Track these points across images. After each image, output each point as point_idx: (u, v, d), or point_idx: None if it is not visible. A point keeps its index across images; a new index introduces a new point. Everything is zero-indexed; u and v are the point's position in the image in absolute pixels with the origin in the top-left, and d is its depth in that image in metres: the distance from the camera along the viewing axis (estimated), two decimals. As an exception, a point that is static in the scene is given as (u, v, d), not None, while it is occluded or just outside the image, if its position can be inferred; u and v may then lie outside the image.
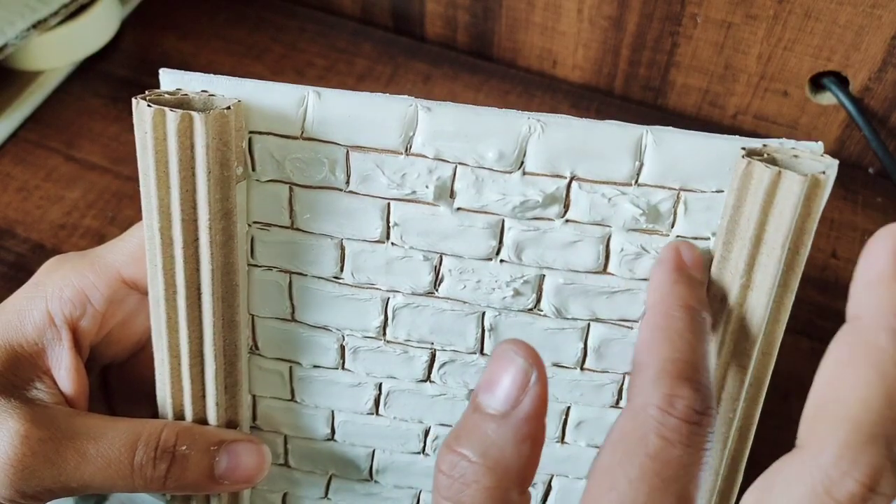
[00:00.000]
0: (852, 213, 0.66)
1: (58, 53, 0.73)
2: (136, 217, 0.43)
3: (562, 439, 0.43)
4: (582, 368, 0.41)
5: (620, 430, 0.29)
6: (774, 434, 0.55)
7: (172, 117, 0.34)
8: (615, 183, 0.36)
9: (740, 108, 0.70)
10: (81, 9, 0.72)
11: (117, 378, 0.46)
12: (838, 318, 0.59)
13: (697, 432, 0.29)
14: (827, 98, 0.66)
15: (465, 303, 0.40)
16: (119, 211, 0.65)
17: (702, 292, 0.34)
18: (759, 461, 0.53)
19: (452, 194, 0.37)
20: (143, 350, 0.45)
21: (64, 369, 0.41)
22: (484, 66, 0.76)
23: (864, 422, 0.26)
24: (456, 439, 0.30)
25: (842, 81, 0.65)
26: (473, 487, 0.29)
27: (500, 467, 0.29)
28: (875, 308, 0.28)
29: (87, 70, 0.75)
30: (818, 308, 0.61)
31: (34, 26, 0.69)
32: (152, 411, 0.42)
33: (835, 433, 0.27)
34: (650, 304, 0.33)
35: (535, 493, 0.44)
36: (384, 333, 0.41)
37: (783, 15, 0.62)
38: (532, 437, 0.30)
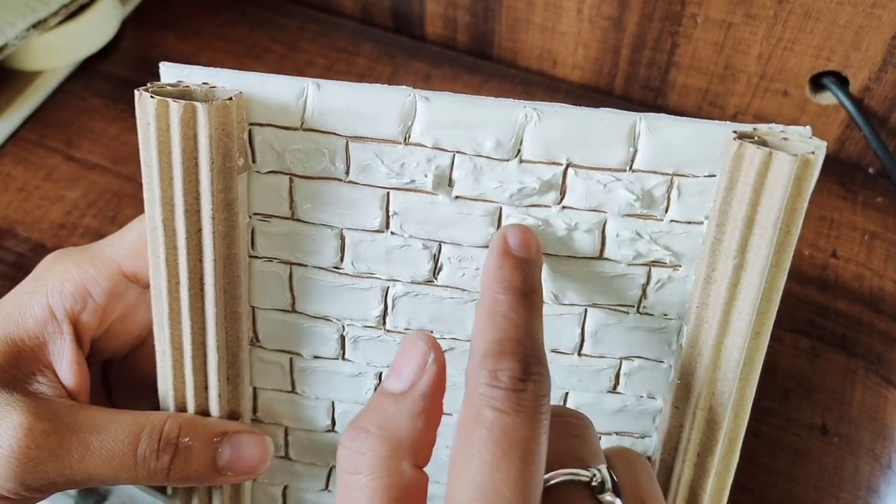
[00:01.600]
0: (852, 213, 0.66)
1: (58, 53, 0.73)
2: (136, 216, 0.43)
3: None
4: (579, 354, 0.41)
5: (461, 417, 0.31)
6: (774, 434, 0.55)
7: (175, 108, 0.35)
8: (610, 169, 0.37)
9: (740, 108, 0.70)
10: (81, 9, 0.72)
11: (118, 372, 0.46)
12: (838, 318, 0.60)
13: (525, 398, 0.30)
14: (827, 98, 0.67)
15: (464, 290, 0.40)
16: (119, 210, 0.65)
17: (528, 271, 0.35)
18: (760, 461, 0.53)
19: (451, 183, 0.38)
20: (143, 344, 0.45)
21: (65, 363, 0.41)
22: (484, 66, 0.76)
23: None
24: (359, 417, 0.32)
25: (842, 81, 0.65)
26: (368, 455, 0.31)
27: (394, 438, 0.31)
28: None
29: (87, 70, 0.75)
30: (818, 308, 0.61)
31: (34, 26, 0.69)
32: (153, 405, 0.42)
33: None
34: (481, 291, 0.35)
35: None
36: (384, 323, 0.41)
37: (783, 15, 0.62)
38: (426, 413, 0.32)
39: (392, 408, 0.32)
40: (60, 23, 0.71)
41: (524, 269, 0.35)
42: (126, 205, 0.65)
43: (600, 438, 0.43)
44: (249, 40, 0.78)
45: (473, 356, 0.32)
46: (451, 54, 0.77)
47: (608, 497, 0.32)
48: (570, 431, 0.34)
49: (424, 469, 0.32)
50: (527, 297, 0.34)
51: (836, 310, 0.61)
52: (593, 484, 0.32)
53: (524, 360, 0.31)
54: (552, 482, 0.32)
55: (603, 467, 0.32)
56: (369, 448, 0.31)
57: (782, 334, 0.59)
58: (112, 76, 0.75)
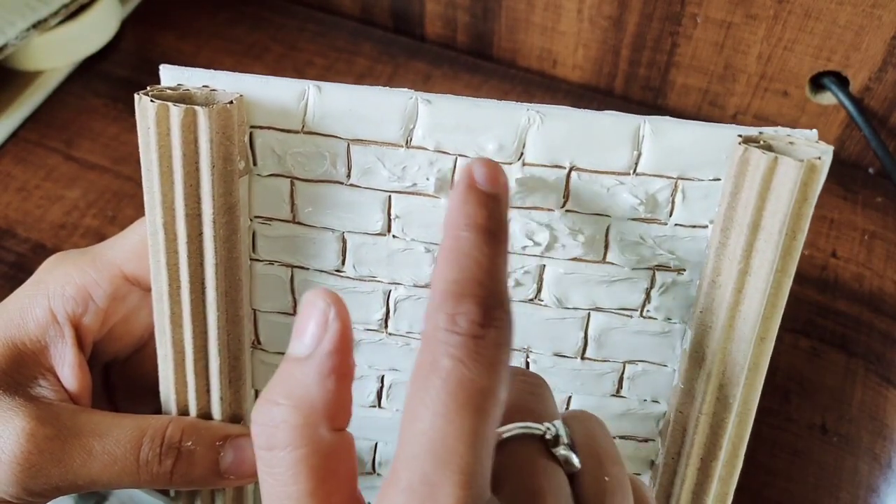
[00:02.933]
0: (852, 213, 0.67)
1: (58, 53, 0.73)
2: (136, 216, 0.43)
3: None
4: (583, 358, 0.41)
5: (416, 364, 0.29)
6: (774, 434, 0.55)
7: (176, 112, 0.35)
8: (614, 173, 0.37)
9: (740, 108, 0.70)
10: (81, 9, 0.72)
11: (119, 375, 0.46)
12: (838, 318, 0.60)
13: (485, 345, 0.28)
14: (827, 98, 0.66)
15: None
16: (119, 210, 0.65)
17: (494, 206, 0.32)
18: (760, 461, 0.53)
19: (453, 186, 0.37)
20: (144, 347, 0.45)
21: (67, 366, 0.41)
22: (484, 66, 0.76)
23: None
24: (267, 389, 0.31)
25: (842, 81, 0.65)
26: (282, 427, 0.29)
27: (305, 405, 0.30)
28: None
29: (87, 70, 0.75)
30: (818, 308, 0.61)
31: (34, 26, 0.69)
32: (155, 408, 0.42)
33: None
34: (444, 228, 0.33)
35: None
36: (386, 326, 0.41)
37: (783, 15, 0.62)
38: (336, 372, 0.30)
39: (299, 373, 0.30)
40: (60, 23, 0.71)
41: (490, 204, 0.32)
42: (126, 205, 0.65)
43: None
44: (249, 40, 0.78)
45: (432, 297, 0.30)
46: (451, 54, 0.77)
47: (562, 451, 0.31)
48: (525, 389, 0.33)
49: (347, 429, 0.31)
50: (492, 235, 0.31)
51: (836, 310, 0.61)
52: (547, 437, 0.31)
53: (485, 302, 0.29)
54: (505, 435, 0.30)
55: (558, 422, 0.32)
56: (282, 419, 0.29)
57: (782, 334, 0.59)
58: (112, 76, 0.75)
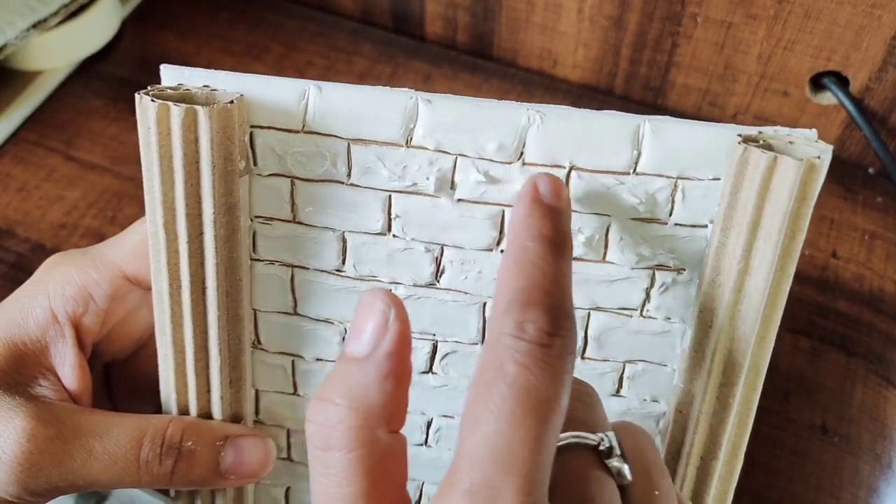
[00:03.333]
0: (852, 213, 0.67)
1: (58, 53, 0.73)
2: (136, 216, 0.43)
3: None
4: (582, 357, 0.41)
5: (480, 366, 0.29)
6: (774, 434, 0.55)
7: (177, 112, 0.35)
8: (614, 172, 0.37)
9: (740, 108, 0.70)
10: (81, 9, 0.72)
11: (119, 375, 0.46)
12: (838, 318, 0.60)
13: (551, 354, 0.29)
14: (827, 98, 0.67)
15: (466, 293, 0.40)
16: (119, 210, 0.65)
17: (558, 219, 0.33)
18: (760, 461, 0.53)
19: (453, 185, 0.38)
20: (144, 347, 0.45)
21: (68, 366, 0.41)
22: (484, 66, 0.76)
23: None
24: (323, 388, 0.31)
25: (842, 81, 0.65)
26: (339, 428, 0.29)
27: (363, 406, 0.29)
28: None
29: (87, 70, 0.75)
30: (818, 308, 0.61)
31: (34, 26, 0.69)
32: (154, 408, 0.42)
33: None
34: (508, 239, 0.34)
35: None
36: None
37: (783, 15, 0.62)
38: (395, 374, 0.30)
39: (357, 374, 0.30)
40: (60, 23, 0.71)
41: (554, 217, 0.33)
42: (126, 205, 0.65)
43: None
44: (249, 40, 0.78)
45: (498, 303, 0.30)
46: (451, 54, 0.77)
47: (615, 462, 0.31)
48: (577, 397, 0.33)
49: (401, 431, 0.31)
50: (557, 247, 0.32)
51: (836, 310, 0.61)
52: (601, 448, 0.31)
53: (553, 311, 0.30)
54: (560, 444, 0.30)
55: (611, 433, 0.32)
56: (339, 420, 0.29)
57: (782, 334, 0.59)
58: (112, 76, 0.75)
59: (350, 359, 0.30)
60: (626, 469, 0.31)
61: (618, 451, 0.31)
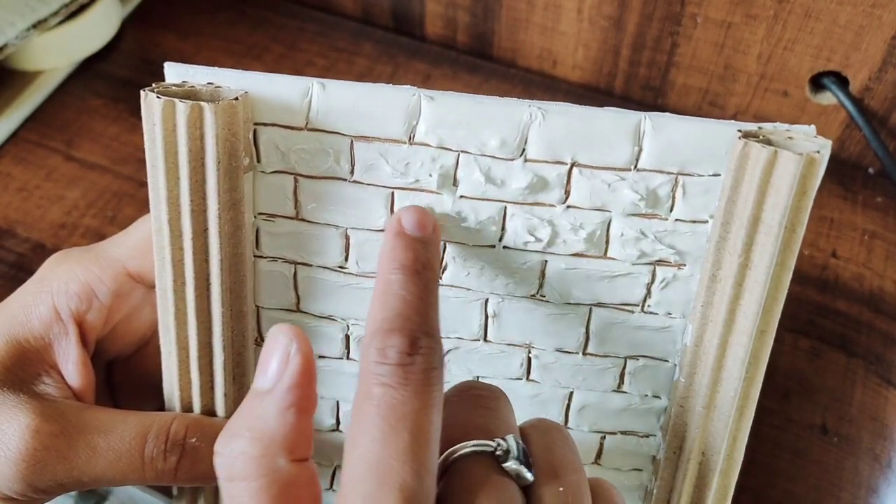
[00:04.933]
0: (852, 213, 0.67)
1: (58, 53, 0.73)
2: (136, 216, 0.43)
3: (565, 424, 0.43)
4: (584, 353, 0.41)
5: (355, 397, 0.31)
6: (774, 434, 0.55)
7: (182, 108, 0.35)
8: (615, 168, 0.37)
9: (740, 108, 0.70)
10: (81, 9, 0.72)
11: (122, 373, 0.46)
12: (838, 318, 0.60)
13: (413, 371, 0.31)
14: (827, 98, 0.67)
15: (468, 290, 0.40)
16: (119, 210, 0.65)
17: (421, 249, 0.35)
18: (760, 461, 0.53)
19: (455, 182, 0.38)
20: (147, 344, 0.45)
21: (71, 363, 0.41)
22: (484, 66, 0.76)
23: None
24: (230, 423, 0.32)
25: (842, 81, 0.65)
26: (241, 459, 0.31)
27: (265, 437, 0.31)
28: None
29: (87, 70, 0.75)
30: (818, 308, 0.61)
31: (34, 26, 0.69)
32: (157, 405, 0.42)
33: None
34: (377, 273, 0.35)
35: None
36: None
37: (783, 15, 0.62)
38: (297, 406, 0.31)
39: (259, 407, 0.31)
40: (60, 23, 0.71)
41: (416, 247, 0.35)
42: (126, 205, 0.65)
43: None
44: (249, 40, 0.78)
45: (365, 336, 0.32)
46: (451, 54, 0.77)
47: (512, 465, 0.32)
48: (479, 403, 0.35)
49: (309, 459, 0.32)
50: (418, 275, 0.34)
51: (836, 310, 0.61)
52: (497, 453, 0.32)
53: (411, 334, 0.31)
54: (456, 455, 0.32)
55: (510, 437, 0.33)
56: (241, 451, 0.31)
57: (782, 334, 0.59)
58: (112, 76, 0.75)
59: (255, 393, 0.32)
60: (523, 470, 0.32)
61: (515, 454, 0.32)
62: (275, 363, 0.32)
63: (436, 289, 0.35)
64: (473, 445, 0.32)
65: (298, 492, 0.31)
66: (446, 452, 0.32)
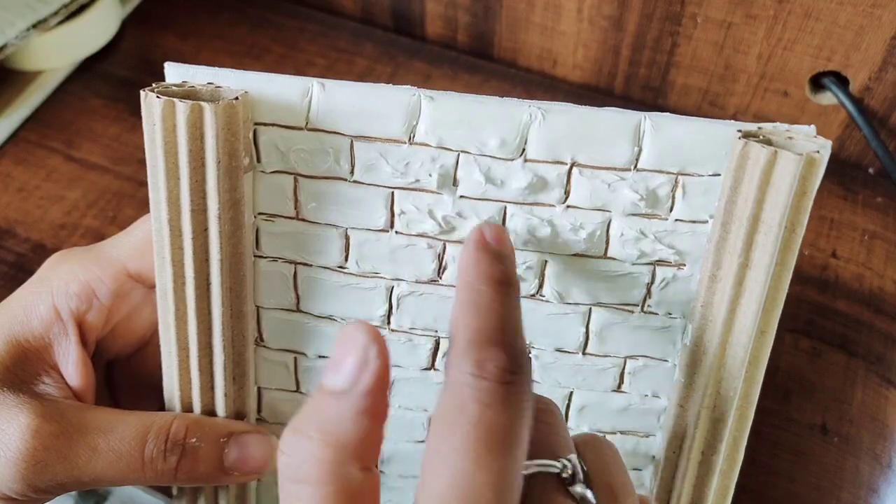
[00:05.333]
0: (852, 213, 0.67)
1: (58, 53, 0.73)
2: (136, 216, 0.43)
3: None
4: (584, 353, 0.41)
5: (442, 407, 0.30)
6: (774, 434, 0.55)
7: (182, 108, 0.35)
8: (615, 168, 0.37)
9: (740, 108, 0.70)
10: (81, 9, 0.72)
11: (122, 373, 0.46)
12: (838, 318, 0.60)
13: (513, 391, 0.29)
14: (827, 98, 0.67)
15: None
16: (119, 210, 0.65)
17: (506, 265, 0.34)
18: (760, 461, 0.53)
19: (455, 182, 0.38)
20: (147, 344, 0.45)
21: (71, 364, 0.41)
22: (484, 66, 0.76)
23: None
24: (297, 420, 0.30)
25: (842, 81, 0.65)
26: (310, 462, 0.29)
27: (337, 442, 0.29)
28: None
29: (87, 70, 0.75)
30: (818, 308, 0.61)
31: (34, 26, 0.69)
32: (157, 405, 0.42)
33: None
34: (458, 284, 0.34)
35: None
36: (389, 322, 0.41)
37: (783, 15, 0.62)
38: (371, 412, 0.30)
39: (333, 408, 0.30)
40: (60, 23, 0.71)
41: (503, 262, 0.34)
42: (126, 205, 0.65)
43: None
44: (249, 40, 0.78)
45: (455, 345, 0.31)
46: (451, 54, 0.77)
47: (579, 489, 0.31)
48: (540, 418, 0.33)
49: (376, 468, 0.31)
50: (509, 288, 0.33)
51: (836, 310, 0.61)
52: (563, 475, 0.32)
53: (511, 350, 0.30)
54: (524, 473, 0.30)
55: (573, 457, 0.32)
56: (311, 454, 0.29)
57: (782, 334, 0.59)
58: (112, 76, 0.75)
59: (327, 392, 0.30)
60: (589, 494, 0.31)
61: (580, 477, 0.32)
62: (350, 362, 0.30)
63: (520, 306, 0.33)
64: (540, 465, 0.31)
65: (363, 501, 0.30)
66: None
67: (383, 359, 0.30)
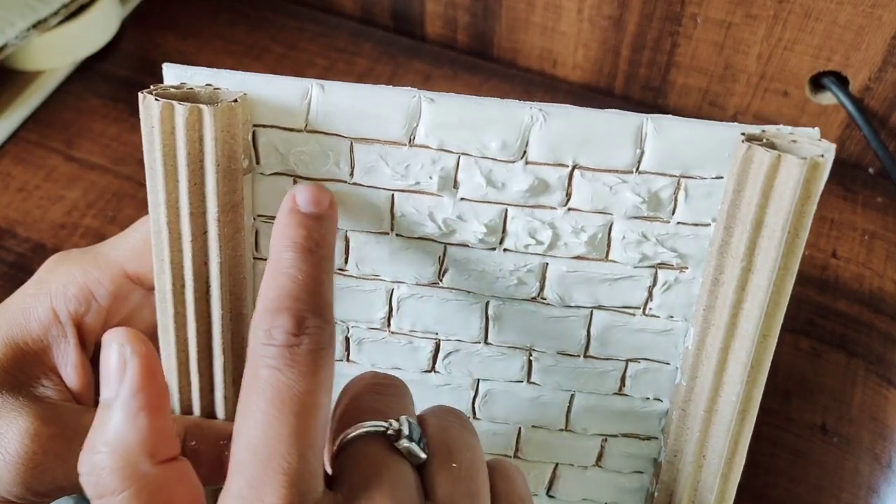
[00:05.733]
0: (852, 213, 0.67)
1: (58, 53, 0.73)
2: (136, 216, 0.43)
3: (566, 427, 0.43)
4: (585, 356, 0.41)
5: (244, 375, 0.31)
6: (774, 434, 0.55)
7: (181, 111, 0.34)
8: (616, 171, 0.37)
9: (740, 108, 0.70)
10: (81, 9, 0.72)
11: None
12: (838, 318, 0.60)
13: (299, 352, 0.30)
14: (827, 98, 0.67)
15: (469, 292, 0.40)
16: (119, 210, 0.65)
17: (315, 226, 0.35)
18: (760, 461, 0.53)
19: (456, 184, 0.38)
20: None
21: (70, 366, 0.41)
22: (484, 66, 0.76)
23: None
24: (87, 440, 0.31)
25: (842, 81, 0.65)
26: (104, 474, 0.30)
27: (121, 447, 0.30)
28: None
29: (87, 70, 0.75)
30: (818, 308, 0.61)
31: (34, 26, 0.69)
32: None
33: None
34: (269, 252, 0.35)
35: (541, 480, 0.44)
36: (389, 324, 0.41)
37: (783, 15, 0.62)
38: (148, 407, 0.31)
39: (110, 419, 0.31)
40: (60, 23, 0.71)
41: (309, 225, 0.34)
42: (126, 205, 0.65)
43: (596, 437, 0.43)
44: (249, 40, 0.78)
45: (253, 317, 0.32)
46: (451, 54, 0.77)
47: (404, 443, 0.32)
48: (376, 390, 0.35)
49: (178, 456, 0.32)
50: (310, 253, 0.33)
51: (836, 310, 0.61)
52: (389, 433, 0.32)
53: (298, 314, 0.31)
54: (349, 436, 0.32)
55: (403, 417, 0.33)
56: (103, 467, 0.30)
57: (783, 335, 0.59)
58: (112, 76, 0.75)
59: (104, 406, 0.31)
60: (416, 448, 0.32)
61: (407, 433, 0.32)
62: (111, 371, 0.31)
63: (329, 266, 0.34)
64: (367, 426, 0.32)
65: (171, 493, 0.31)
66: (340, 435, 0.32)
67: (140, 354, 0.31)
